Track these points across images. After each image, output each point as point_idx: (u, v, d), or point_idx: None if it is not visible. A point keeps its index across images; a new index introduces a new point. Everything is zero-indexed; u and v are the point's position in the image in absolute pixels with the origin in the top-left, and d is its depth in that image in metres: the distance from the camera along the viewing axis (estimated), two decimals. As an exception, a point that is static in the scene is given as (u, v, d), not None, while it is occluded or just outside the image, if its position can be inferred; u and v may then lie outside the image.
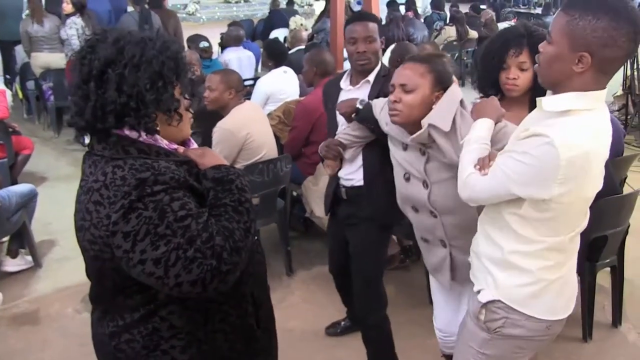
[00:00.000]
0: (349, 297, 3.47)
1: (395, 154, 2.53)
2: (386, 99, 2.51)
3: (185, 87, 1.70)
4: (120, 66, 1.54)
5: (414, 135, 2.29)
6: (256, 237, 1.75)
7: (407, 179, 2.47)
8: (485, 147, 2.07)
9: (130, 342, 1.62)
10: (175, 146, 1.70)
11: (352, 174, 2.95)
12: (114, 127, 1.56)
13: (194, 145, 1.82)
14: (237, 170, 1.71)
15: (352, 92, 2.94)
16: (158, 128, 1.62)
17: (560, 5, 1.92)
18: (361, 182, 2.93)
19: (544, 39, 1.85)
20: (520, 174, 1.82)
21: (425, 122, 2.25)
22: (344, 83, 3.01)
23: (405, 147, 2.45)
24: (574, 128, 1.78)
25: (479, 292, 2.07)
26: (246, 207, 1.62)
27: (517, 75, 2.60)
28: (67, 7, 7.32)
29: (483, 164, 1.98)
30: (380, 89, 2.83)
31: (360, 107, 2.73)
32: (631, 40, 1.73)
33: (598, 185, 1.92)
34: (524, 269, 1.98)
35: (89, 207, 1.52)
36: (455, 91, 2.33)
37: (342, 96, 2.99)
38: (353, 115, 2.76)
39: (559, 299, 2.04)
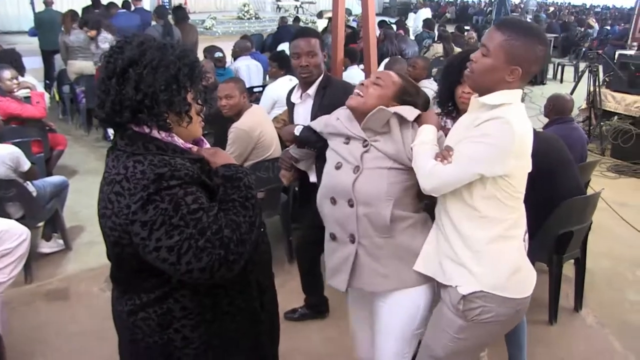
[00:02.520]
0: (312, 285, 3.57)
1: (335, 147, 2.35)
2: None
3: (197, 93, 1.66)
4: (140, 67, 1.51)
5: (372, 113, 2.18)
6: (262, 229, 1.73)
7: (338, 167, 2.28)
8: (436, 148, 2.11)
9: (146, 319, 1.60)
10: (190, 145, 1.67)
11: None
12: (129, 122, 1.54)
13: (207, 145, 1.79)
14: (245, 169, 1.68)
15: (300, 106, 2.96)
16: (171, 127, 1.59)
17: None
18: None
19: None
20: (484, 152, 1.90)
21: (391, 110, 2.21)
22: (294, 96, 2.99)
23: (347, 142, 2.30)
24: (515, 114, 1.93)
25: (456, 286, 2.05)
26: (252, 202, 1.59)
27: (469, 90, 2.49)
28: (92, 32, 7.34)
29: (444, 155, 2.02)
30: (321, 101, 2.81)
31: (297, 134, 2.68)
32: (545, 54, 1.96)
33: (531, 162, 2.02)
34: (501, 254, 2.01)
35: (111, 197, 1.49)
36: (415, 111, 2.27)
37: (295, 110, 2.99)
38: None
39: (526, 278, 2.10)
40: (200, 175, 1.56)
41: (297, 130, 2.69)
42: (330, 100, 2.69)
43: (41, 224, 4.45)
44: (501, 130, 1.88)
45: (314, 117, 2.76)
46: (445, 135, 2.22)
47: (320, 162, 2.76)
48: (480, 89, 1.99)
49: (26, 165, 4.00)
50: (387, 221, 2.15)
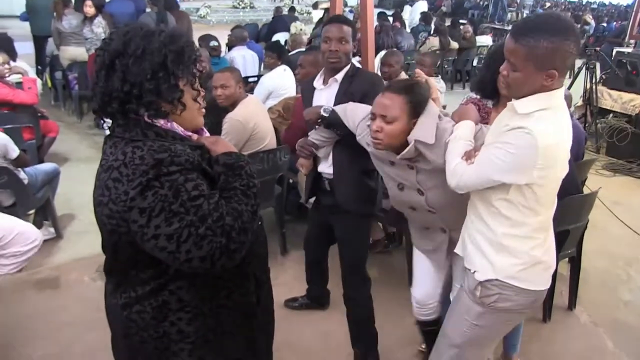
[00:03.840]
0: (317, 277, 3.55)
1: (383, 168, 2.45)
2: (360, 112, 2.50)
3: (191, 77, 1.60)
4: (126, 57, 1.48)
5: (403, 153, 2.23)
6: (260, 222, 1.70)
7: (402, 189, 2.41)
8: (469, 143, 2.11)
9: (140, 312, 1.57)
10: (190, 133, 1.65)
11: (330, 168, 2.89)
12: (119, 113, 1.51)
13: (207, 134, 1.76)
14: (246, 158, 1.65)
15: (324, 91, 2.88)
16: (167, 113, 1.56)
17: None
18: None
19: None
20: (504, 161, 1.87)
21: (411, 139, 2.20)
22: (317, 82, 2.92)
23: (392, 163, 2.37)
24: (547, 121, 1.85)
25: (474, 272, 2.10)
26: (254, 191, 1.57)
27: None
28: (90, 10, 7.27)
29: (469, 154, 2.02)
30: (347, 87, 2.77)
31: (326, 114, 2.65)
32: (578, 43, 1.83)
33: (566, 167, 1.98)
34: (517, 251, 2.02)
35: (109, 183, 1.46)
36: (432, 108, 2.27)
37: (316, 95, 2.91)
38: (319, 121, 2.70)
39: (545, 271, 2.10)
40: (200, 162, 1.53)
41: (326, 111, 2.66)
42: (357, 87, 2.67)
43: (32, 211, 4.40)
44: (522, 141, 1.83)
45: (337, 102, 2.74)
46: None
47: (337, 148, 2.81)
48: (521, 97, 1.92)
49: (14, 152, 3.94)
50: (467, 212, 2.24)
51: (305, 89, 3.05)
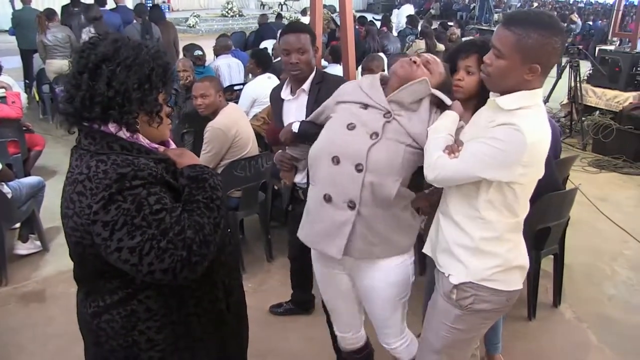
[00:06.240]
0: (301, 282, 3.55)
1: (349, 108, 2.24)
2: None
3: (168, 95, 1.66)
4: (114, 64, 1.50)
5: (414, 82, 2.16)
6: (229, 230, 1.71)
7: (351, 128, 2.16)
8: (450, 137, 2.05)
9: (110, 322, 1.58)
10: (156, 145, 1.66)
11: (304, 179, 2.89)
12: (98, 118, 1.51)
13: (173, 145, 1.78)
14: (210, 170, 1.67)
15: (292, 102, 2.88)
16: (138, 127, 1.57)
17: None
18: None
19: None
20: (491, 157, 1.85)
21: (430, 89, 2.19)
22: (284, 93, 2.91)
23: (365, 107, 2.21)
24: (532, 119, 1.86)
25: (448, 275, 2.09)
26: (217, 204, 1.57)
27: (463, 77, 2.49)
28: None
29: (452, 148, 1.98)
30: (316, 95, 2.75)
31: (296, 130, 2.61)
32: (564, 43, 1.88)
33: (543, 169, 1.97)
34: (493, 253, 2.02)
35: (73, 197, 1.48)
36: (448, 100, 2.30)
37: (285, 106, 2.92)
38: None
39: (519, 272, 2.10)
40: (164, 175, 1.54)
41: (295, 127, 2.62)
42: (326, 94, 2.56)
43: (17, 225, 4.40)
44: (512, 137, 1.82)
45: (309, 112, 2.70)
46: None
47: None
48: (499, 91, 1.94)
49: (-6, 168, 3.94)
50: (391, 195, 2.09)
51: (273, 100, 3.04)
